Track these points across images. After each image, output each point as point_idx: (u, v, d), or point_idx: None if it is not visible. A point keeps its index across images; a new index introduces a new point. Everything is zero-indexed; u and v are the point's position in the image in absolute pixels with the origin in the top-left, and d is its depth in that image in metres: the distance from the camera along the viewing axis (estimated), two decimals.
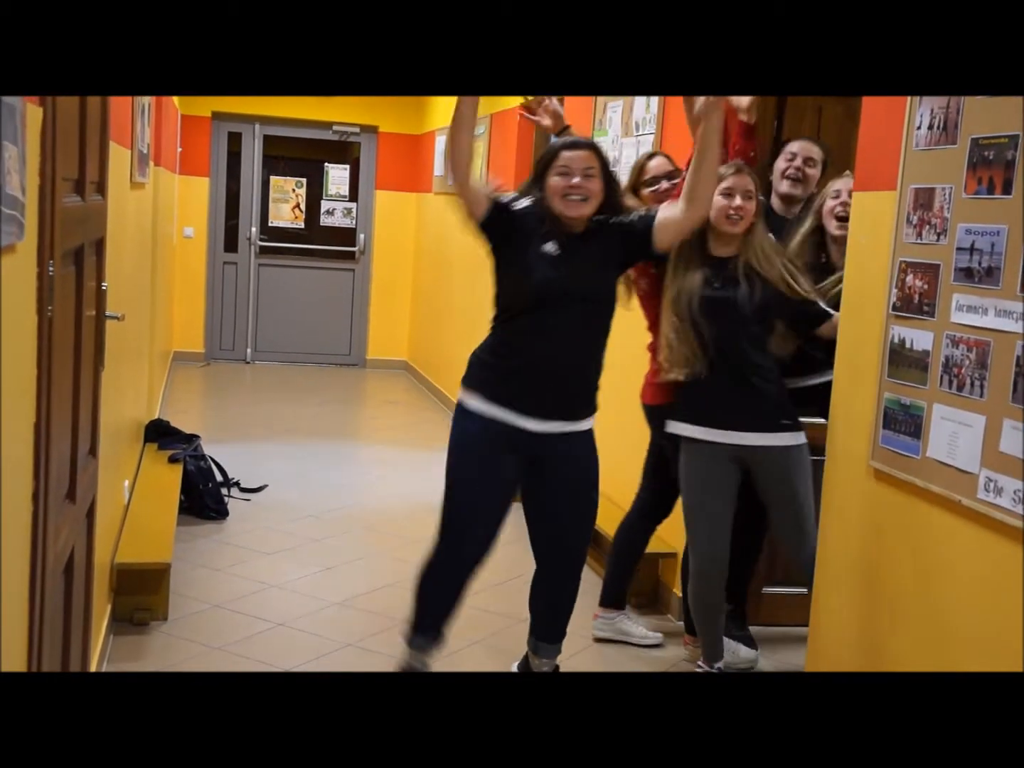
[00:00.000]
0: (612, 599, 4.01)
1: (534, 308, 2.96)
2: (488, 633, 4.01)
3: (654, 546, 4.34)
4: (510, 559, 4.94)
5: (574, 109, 4.98)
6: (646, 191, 3.68)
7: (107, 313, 2.68)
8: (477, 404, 3.02)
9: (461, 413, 3.06)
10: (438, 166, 8.91)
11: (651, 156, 3.71)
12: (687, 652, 3.90)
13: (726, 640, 3.67)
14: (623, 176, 3.84)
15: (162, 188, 6.53)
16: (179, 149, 8.85)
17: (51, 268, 1.90)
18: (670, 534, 4.32)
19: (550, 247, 2.97)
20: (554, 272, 2.95)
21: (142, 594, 3.87)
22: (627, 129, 4.84)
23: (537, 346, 2.97)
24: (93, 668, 3.10)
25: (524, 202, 3.03)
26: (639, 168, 3.73)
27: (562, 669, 3.44)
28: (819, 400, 3.24)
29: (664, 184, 3.63)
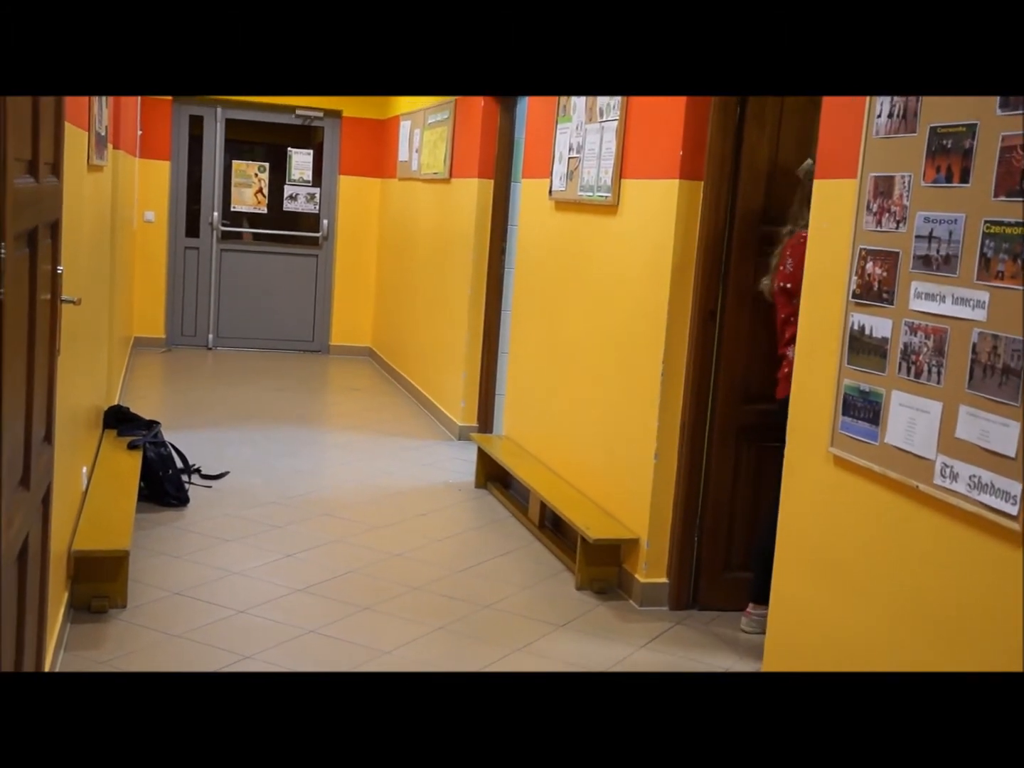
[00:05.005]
0: (764, 595, 3.71)
1: None
2: (452, 619, 4.01)
3: (616, 532, 4.36)
4: (472, 546, 4.96)
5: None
6: None
7: (63, 297, 2.63)
8: None
9: None
10: (402, 151, 8.85)
11: None
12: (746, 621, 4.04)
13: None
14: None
15: (121, 171, 6.45)
16: (139, 132, 8.74)
17: (3, 250, 1.86)
18: (633, 520, 4.33)
19: None
20: None
21: (100, 581, 3.83)
22: (591, 115, 4.83)
23: None
24: (49, 656, 3.07)
25: None
26: None
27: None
28: None
29: None
